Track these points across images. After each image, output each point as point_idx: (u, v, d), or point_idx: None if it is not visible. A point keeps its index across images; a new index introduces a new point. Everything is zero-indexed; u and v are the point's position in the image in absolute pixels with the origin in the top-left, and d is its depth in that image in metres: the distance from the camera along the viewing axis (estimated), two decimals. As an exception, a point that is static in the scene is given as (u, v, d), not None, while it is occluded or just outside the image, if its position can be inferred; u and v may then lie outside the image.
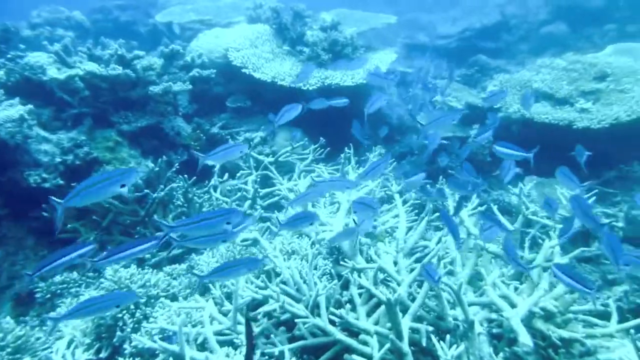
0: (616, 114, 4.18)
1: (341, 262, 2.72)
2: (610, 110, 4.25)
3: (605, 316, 2.53)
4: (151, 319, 2.44)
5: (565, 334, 2.27)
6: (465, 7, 13.49)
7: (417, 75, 7.23)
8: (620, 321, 2.37)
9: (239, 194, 3.93)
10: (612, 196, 4.32)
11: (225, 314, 2.48)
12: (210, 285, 2.69)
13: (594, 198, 3.76)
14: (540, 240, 3.71)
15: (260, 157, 4.49)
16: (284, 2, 6.21)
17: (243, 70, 4.92)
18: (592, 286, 2.04)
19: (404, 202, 3.53)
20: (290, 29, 5.32)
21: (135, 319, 2.45)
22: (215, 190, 4.09)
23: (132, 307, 2.47)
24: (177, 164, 3.90)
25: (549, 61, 5.14)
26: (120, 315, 2.44)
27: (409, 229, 3.19)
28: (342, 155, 3.80)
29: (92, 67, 3.64)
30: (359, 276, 2.49)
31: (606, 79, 4.68)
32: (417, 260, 2.80)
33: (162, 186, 3.67)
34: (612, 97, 4.44)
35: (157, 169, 3.79)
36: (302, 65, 5.13)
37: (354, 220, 2.91)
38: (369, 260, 2.77)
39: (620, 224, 3.58)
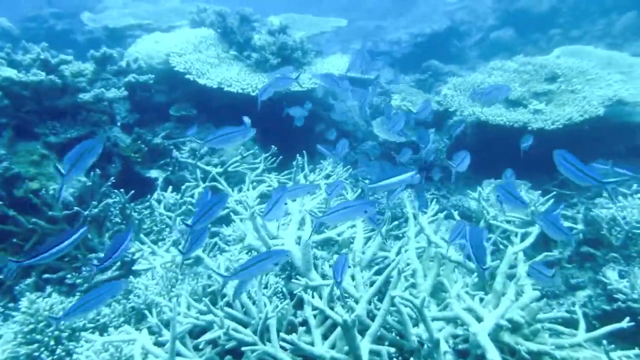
0: (569, 114, 4.19)
1: (292, 280, 2.50)
2: (563, 111, 4.26)
3: (572, 323, 2.43)
4: (75, 356, 2.12)
5: (533, 346, 2.13)
6: (414, 16, 13.72)
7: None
8: (587, 329, 2.27)
9: (184, 207, 3.64)
10: (569, 198, 4.31)
11: (163, 344, 2.20)
12: (147, 312, 2.41)
13: (552, 201, 3.73)
14: (502, 246, 3.63)
15: (208, 168, 4.22)
16: (230, 6, 5.99)
17: (187, 77, 4.65)
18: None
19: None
20: (237, 33, 5.10)
21: (55, 357, 2.13)
22: (159, 204, 3.79)
23: (52, 342, 2.15)
24: (112, 178, 3.57)
25: (500, 63, 5.14)
26: (37, 353, 2.12)
27: (367, 239, 3.01)
28: (294, 163, 3.59)
29: (10, 73, 3.28)
30: (313, 295, 2.28)
31: (557, 79, 4.71)
32: (377, 273, 2.62)
33: (94, 202, 3.34)
34: (564, 98, 4.46)
35: (89, 183, 3.46)
36: (250, 70, 4.92)
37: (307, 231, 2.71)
38: (324, 275, 2.57)
39: (580, 226, 3.54)
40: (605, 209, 3.41)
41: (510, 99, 4.62)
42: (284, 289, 2.48)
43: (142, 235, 2.85)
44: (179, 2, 6.27)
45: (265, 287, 2.49)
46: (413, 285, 2.55)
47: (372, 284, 2.44)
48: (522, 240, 2.75)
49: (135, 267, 2.70)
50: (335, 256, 2.75)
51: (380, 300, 2.38)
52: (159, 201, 3.81)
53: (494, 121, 4.37)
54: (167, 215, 3.65)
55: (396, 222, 3.43)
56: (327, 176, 3.91)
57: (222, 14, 5.33)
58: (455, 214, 3.03)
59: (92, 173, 3.48)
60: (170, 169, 4.21)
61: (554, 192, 3.65)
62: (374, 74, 5.76)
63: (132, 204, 3.83)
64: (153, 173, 4.39)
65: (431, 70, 7.82)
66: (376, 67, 6.12)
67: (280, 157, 4.40)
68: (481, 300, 2.35)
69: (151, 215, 3.76)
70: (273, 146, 4.45)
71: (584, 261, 3.43)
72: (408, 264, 2.56)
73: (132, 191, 3.49)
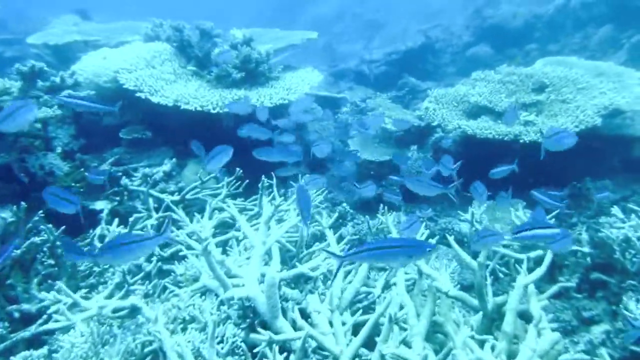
0: (563, 125, 3.87)
1: (252, 335, 2.02)
2: (556, 122, 3.94)
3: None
4: None
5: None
6: (385, 37, 13.65)
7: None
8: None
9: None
10: (567, 217, 3.95)
11: None
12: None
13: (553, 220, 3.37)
14: (500, 274, 3.22)
15: (162, 196, 3.73)
16: (189, 21, 5.60)
17: (138, 95, 4.18)
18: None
19: (339, 239, 2.91)
20: (195, 47, 4.69)
21: None
22: (101, 241, 3.27)
23: None
24: (41, 212, 3.04)
25: (483, 74, 4.85)
26: None
27: (347, 273, 2.55)
28: (260, 185, 3.14)
29: None
30: (282, 351, 1.80)
31: (545, 89, 4.42)
32: (362, 314, 2.17)
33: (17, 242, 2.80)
34: (555, 108, 4.16)
35: (12, 219, 2.93)
36: (210, 86, 4.49)
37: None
38: (295, 323, 2.09)
39: (586, 249, 3.15)
40: (616, 229, 3.03)
41: (497, 111, 4.29)
42: (244, 344, 1.98)
43: (60, 283, 2.33)
44: (133, 20, 5.84)
45: (221, 342, 1.99)
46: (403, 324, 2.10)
47: (355, 331, 1.98)
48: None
49: (48, 327, 2.17)
50: (310, 296, 2.27)
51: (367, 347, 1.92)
52: (102, 237, 3.30)
53: (482, 135, 4.02)
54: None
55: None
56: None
57: (178, 28, 4.92)
58: (451, 239, 2.60)
59: (15, 208, 2.95)
60: (117, 199, 3.69)
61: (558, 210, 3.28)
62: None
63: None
64: (99, 205, 3.86)
65: (408, 87, 7.55)
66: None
67: (247, 180, 3.95)
68: (492, 348, 1.91)
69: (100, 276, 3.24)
70: (238, 168, 4.00)
71: (596, 290, 3.03)
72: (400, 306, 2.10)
73: (63, 226, 2.96)
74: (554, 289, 2.36)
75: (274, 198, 3.41)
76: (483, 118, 4.30)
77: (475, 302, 2.36)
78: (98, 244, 3.25)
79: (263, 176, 3.14)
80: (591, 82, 4.25)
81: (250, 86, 4.51)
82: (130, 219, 3.32)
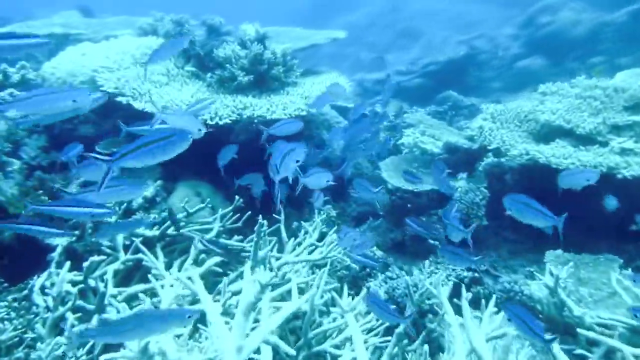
0: (675, 155, 2.91)
1: None
2: (664, 150, 2.99)
3: None
4: None
5: None
6: (422, 47, 12.76)
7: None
8: None
9: (75, 301, 2.31)
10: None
11: None
12: None
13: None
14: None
15: (136, 230, 2.92)
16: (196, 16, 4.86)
17: (118, 99, 3.41)
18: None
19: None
20: (196, 44, 3.90)
21: None
22: (43, 292, 2.47)
23: None
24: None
25: (555, 87, 3.93)
26: None
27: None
28: (256, 229, 2.27)
29: None
30: None
31: (642, 108, 3.47)
32: None
33: None
34: (658, 132, 3.21)
35: None
36: (211, 90, 3.69)
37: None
38: None
39: None
40: None
41: (579, 134, 3.36)
42: None
43: None
44: (130, 16, 5.13)
45: None
46: None
47: None
48: None
49: None
50: None
51: None
52: (43, 288, 2.48)
53: (559, 164, 3.09)
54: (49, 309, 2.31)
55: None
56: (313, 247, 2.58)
57: (180, 21, 4.16)
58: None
59: None
60: (77, 232, 2.88)
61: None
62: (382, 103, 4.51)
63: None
64: (58, 238, 3.06)
65: (450, 101, 6.65)
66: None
67: (249, 212, 3.12)
68: None
69: (20, 315, 2.42)
70: (237, 197, 3.17)
71: None
72: None
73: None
74: None
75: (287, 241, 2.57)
76: (558, 142, 3.37)
77: None
78: (37, 296, 2.44)
79: (260, 217, 2.27)
80: None
81: (260, 92, 3.69)
82: (85, 264, 2.49)
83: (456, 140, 4.03)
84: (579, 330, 2.22)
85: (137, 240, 2.63)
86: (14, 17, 9.88)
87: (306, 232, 2.62)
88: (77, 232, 2.88)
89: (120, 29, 4.45)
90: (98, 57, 3.64)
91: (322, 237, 3.08)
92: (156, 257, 2.77)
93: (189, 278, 2.01)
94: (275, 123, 2.97)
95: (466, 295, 1.90)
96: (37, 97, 2.01)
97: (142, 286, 2.50)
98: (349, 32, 5.03)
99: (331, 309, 2.09)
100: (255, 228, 2.18)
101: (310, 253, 2.50)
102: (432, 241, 3.67)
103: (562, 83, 3.94)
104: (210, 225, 3.00)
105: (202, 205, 3.01)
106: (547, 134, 3.62)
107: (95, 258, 2.53)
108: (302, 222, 3.55)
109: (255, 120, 3.41)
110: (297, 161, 2.32)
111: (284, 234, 2.84)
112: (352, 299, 2.01)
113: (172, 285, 2.42)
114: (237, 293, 1.96)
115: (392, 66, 10.10)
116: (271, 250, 2.45)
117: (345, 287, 2.05)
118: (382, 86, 8.18)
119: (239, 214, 3.10)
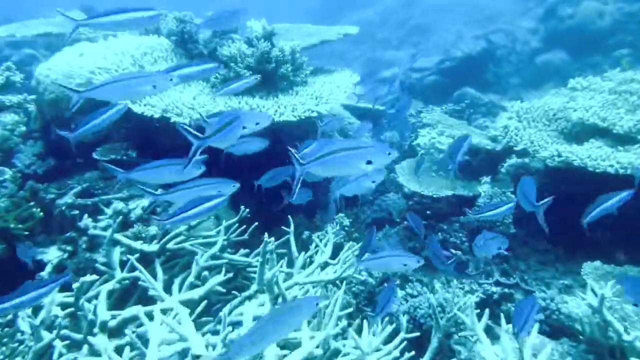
0: None
1: None
2: None
3: None
4: None
5: None
6: (435, 44, 12.42)
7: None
8: None
9: (60, 331, 2.09)
10: None
11: None
12: None
13: None
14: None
15: (134, 244, 2.70)
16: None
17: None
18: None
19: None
20: (200, 42, 3.68)
21: None
22: (31, 315, 2.26)
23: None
24: None
25: (585, 82, 3.64)
26: None
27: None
28: (261, 248, 2.03)
29: None
30: None
31: (684, 104, 3.17)
32: None
33: None
34: None
35: None
36: (213, 91, 3.45)
37: None
38: None
39: None
40: None
41: (616, 133, 3.07)
42: None
43: None
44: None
45: None
46: None
47: None
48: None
49: None
50: None
51: None
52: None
53: (596, 168, 2.81)
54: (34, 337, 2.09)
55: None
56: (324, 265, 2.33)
57: (183, 19, 3.93)
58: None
59: None
60: (69, 248, 2.67)
61: None
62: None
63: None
64: (51, 253, 2.86)
65: (467, 99, 6.35)
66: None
67: (256, 223, 2.88)
68: None
69: (11, 340, 2.20)
70: (243, 207, 2.93)
71: None
72: None
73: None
74: None
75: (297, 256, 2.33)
76: (593, 143, 3.08)
77: None
78: (25, 328, 2.22)
79: (265, 235, 2.04)
80: None
81: (268, 92, 3.45)
82: (75, 285, 2.27)
83: (478, 141, 3.76)
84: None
85: (133, 258, 2.40)
86: (17, 17, 9.81)
87: (317, 247, 2.37)
88: (70, 248, 2.68)
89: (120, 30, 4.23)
90: (96, 58, 3.44)
91: (336, 248, 2.85)
92: (155, 274, 2.56)
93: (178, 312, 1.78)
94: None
95: (506, 327, 1.64)
96: (118, 83, 2.11)
97: (137, 308, 2.26)
98: (361, 29, 4.78)
99: (346, 344, 1.83)
100: (261, 248, 1.94)
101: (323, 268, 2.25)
102: (453, 251, 3.41)
103: (594, 77, 3.64)
104: (214, 239, 2.77)
105: (205, 218, 2.77)
106: (579, 133, 3.34)
107: (87, 278, 2.31)
108: (312, 234, 3.32)
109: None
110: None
111: (293, 247, 2.61)
112: (369, 323, 1.76)
113: (172, 309, 2.21)
114: (239, 324, 1.72)
115: (403, 64, 9.81)
116: (279, 270, 2.21)
117: (365, 324, 1.79)
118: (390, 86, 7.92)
119: (244, 226, 2.87)
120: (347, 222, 3.46)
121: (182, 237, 2.77)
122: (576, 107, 3.32)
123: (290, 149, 1.67)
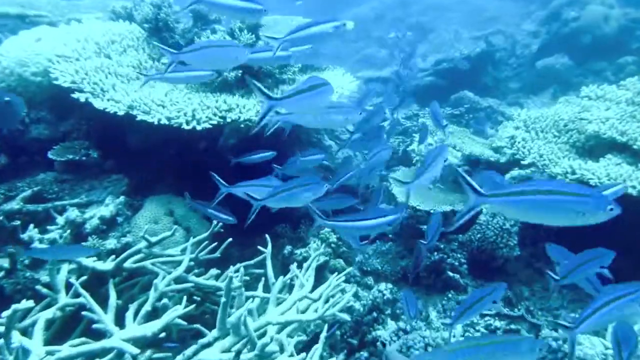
0: None
1: None
2: None
3: None
4: None
5: None
6: (433, 44, 12.11)
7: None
8: None
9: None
10: None
11: None
12: None
13: None
14: None
15: (86, 261, 2.33)
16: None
17: (75, 95, 2.81)
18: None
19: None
20: (175, 31, 3.30)
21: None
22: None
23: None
24: None
25: (600, 91, 3.32)
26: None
27: None
28: (225, 284, 1.67)
29: None
30: None
31: None
32: None
33: None
34: None
35: None
36: (189, 88, 3.08)
37: None
38: None
39: None
40: None
41: (634, 148, 2.75)
42: None
43: None
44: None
45: None
46: None
47: None
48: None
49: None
50: None
51: None
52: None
53: (619, 192, 2.48)
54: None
55: None
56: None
57: (159, 5, 3.55)
58: None
59: None
60: (7, 266, 2.29)
61: None
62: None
63: None
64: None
65: (465, 103, 6.03)
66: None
67: (230, 239, 2.52)
68: None
69: None
70: (216, 222, 2.57)
71: None
72: None
73: None
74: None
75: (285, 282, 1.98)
76: (611, 159, 2.76)
77: None
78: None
79: (231, 268, 1.69)
80: None
81: (250, 90, 3.09)
82: (6, 314, 1.89)
83: (480, 152, 3.42)
84: None
85: (77, 283, 2.03)
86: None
87: (295, 277, 2.01)
88: (7, 265, 2.29)
89: (94, 13, 3.84)
90: (55, 44, 3.05)
91: (320, 269, 2.52)
92: (107, 298, 2.19)
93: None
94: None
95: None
96: (206, 49, 2.20)
97: (78, 348, 1.89)
98: (356, 26, 4.43)
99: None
100: (225, 283, 1.58)
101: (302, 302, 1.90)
102: (451, 274, 3.08)
103: (609, 86, 3.33)
104: (179, 257, 2.41)
105: (169, 233, 2.39)
106: (593, 147, 3.02)
107: (20, 306, 1.94)
108: (294, 250, 2.97)
109: (241, 123, 2.81)
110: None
111: (270, 272, 2.25)
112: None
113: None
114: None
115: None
116: (252, 302, 1.86)
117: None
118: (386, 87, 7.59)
119: (216, 243, 2.51)
120: (334, 238, 3.11)
121: (141, 255, 2.41)
122: (591, 118, 3.00)
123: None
